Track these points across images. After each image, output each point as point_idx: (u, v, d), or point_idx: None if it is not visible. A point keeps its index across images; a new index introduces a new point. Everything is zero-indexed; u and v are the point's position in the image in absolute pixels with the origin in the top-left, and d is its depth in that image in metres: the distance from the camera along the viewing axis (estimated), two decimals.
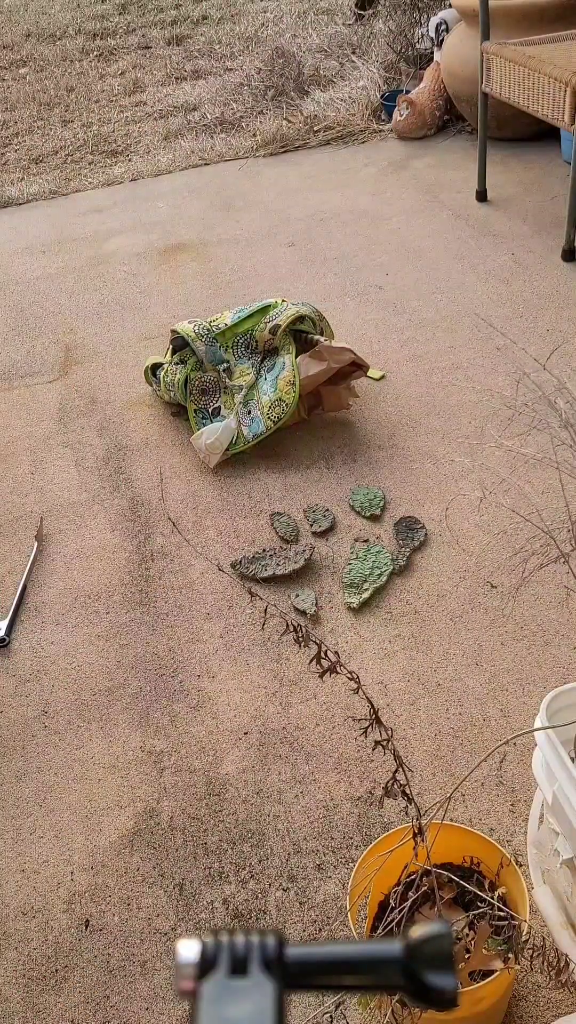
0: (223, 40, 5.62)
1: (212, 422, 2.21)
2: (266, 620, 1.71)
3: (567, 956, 1.02)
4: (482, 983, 0.98)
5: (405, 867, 1.11)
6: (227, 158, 4.04)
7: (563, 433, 1.75)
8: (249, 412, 2.17)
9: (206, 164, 4.05)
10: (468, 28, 3.46)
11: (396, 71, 4.15)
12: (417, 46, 4.17)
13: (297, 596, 1.77)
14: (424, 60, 4.12)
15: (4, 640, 1.78)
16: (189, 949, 0.46)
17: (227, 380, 2.26)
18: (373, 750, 1.46)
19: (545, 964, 1.02)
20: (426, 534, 1.87)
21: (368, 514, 1.95)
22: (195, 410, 2.25)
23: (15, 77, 5.66)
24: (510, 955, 1.00)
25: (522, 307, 2.56)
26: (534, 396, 1.93)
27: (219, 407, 2.23)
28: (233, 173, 3.88)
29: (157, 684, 1.66)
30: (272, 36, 5.32)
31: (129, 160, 4.19)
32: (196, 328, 2.30)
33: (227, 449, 2.16)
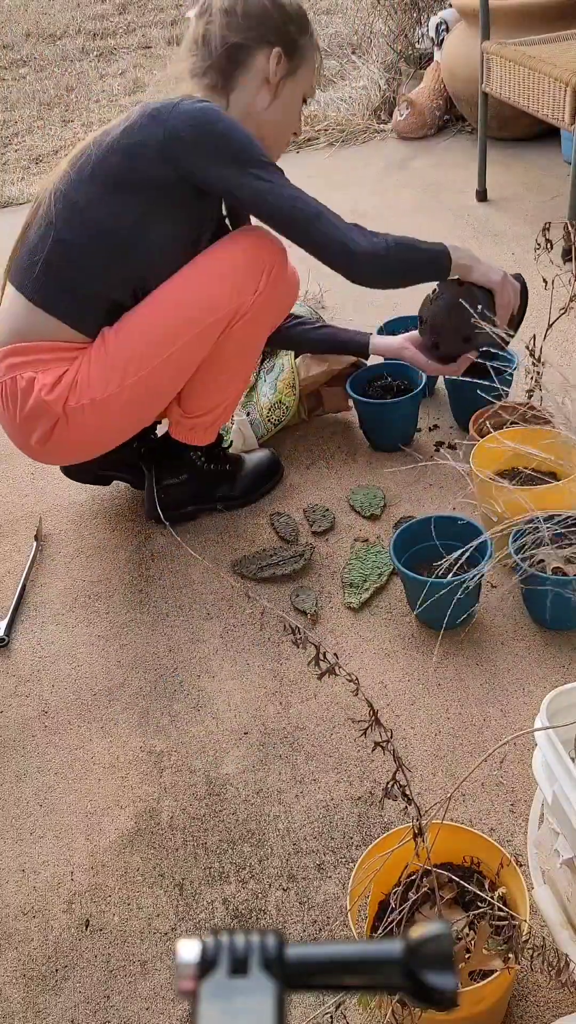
0: None
1: None
2: (263, 623, 1.71)
3: (567, 956, 1.02)
4: (482, 983, 0.98)
5: (405, 867, 1.11)
6: None
7: (568, 433, 1.75)
8: (248, 414, 2.17)
9: None
10: (468, 28, 3.46)
11: (396, 71, 4.15)
12: (417, 46, 4.17)
13: (297, 596, 1.77)
14: (424, 60, 4.12)
15: (3, 640, 1.78)
16: (189, 949, 0.46)
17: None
18: (373, 751, 1.46)
19: (545, 964, 1.02)
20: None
21: (368, 514, 1.95)
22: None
23: (15, 77, 5.66)
24: (510, 955, 1.00)
25: None
26: (538, 395, 1.92)
27: None
28: None
29: (157, 684, 1.66)
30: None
31: None
32: None
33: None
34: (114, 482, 2.13)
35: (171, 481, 1.94)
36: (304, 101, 1.73)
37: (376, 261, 1.68)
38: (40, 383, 1.63)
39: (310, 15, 1.71)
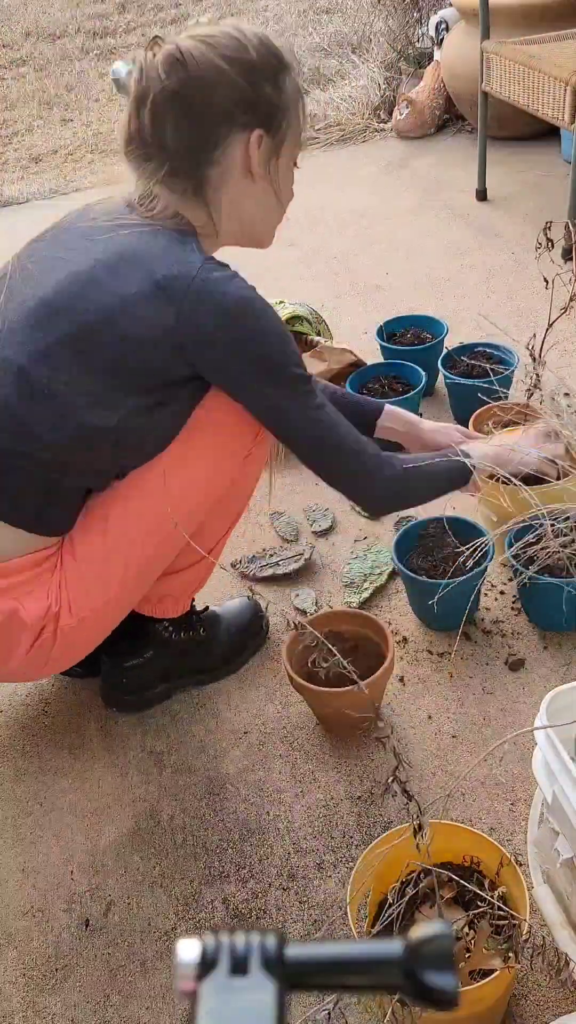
0: None
1: None
2: (267, 619, 1.71)
3: (567, 955, 1.02)
4: (482, 982, 0.98)
5: (406, 866, 1.11)
6: None
7: (565, 432, 1.75)
8: None
9: None
10: (468, 27, 3.46)
11: (396, 70, 4.15)
12: (417, 45, 4.16)
13: (297, 596, 1.77)
14: (424, 59, 4.12)
15: None
16: (189, 949, 0.46)
17: None
18: (375, 746, 1.46)
19: (545, 963, 1.02)
20: None
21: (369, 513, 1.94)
22: None
23: (15, 76, 5.66)
24: (510, 954, 1.00)
25: (522, 306, 2.56)
26: (537, 395, 1.92)
27: None
28: None
29: None
30: (272, 35, 5.32)
31: None
32: None
33: None
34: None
35: (132, 662, 1.54)
36: (295, 164, 1.31)
37: (394, 498, 1.47)
38: (25, 615, 1.26)
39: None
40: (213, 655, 1.61)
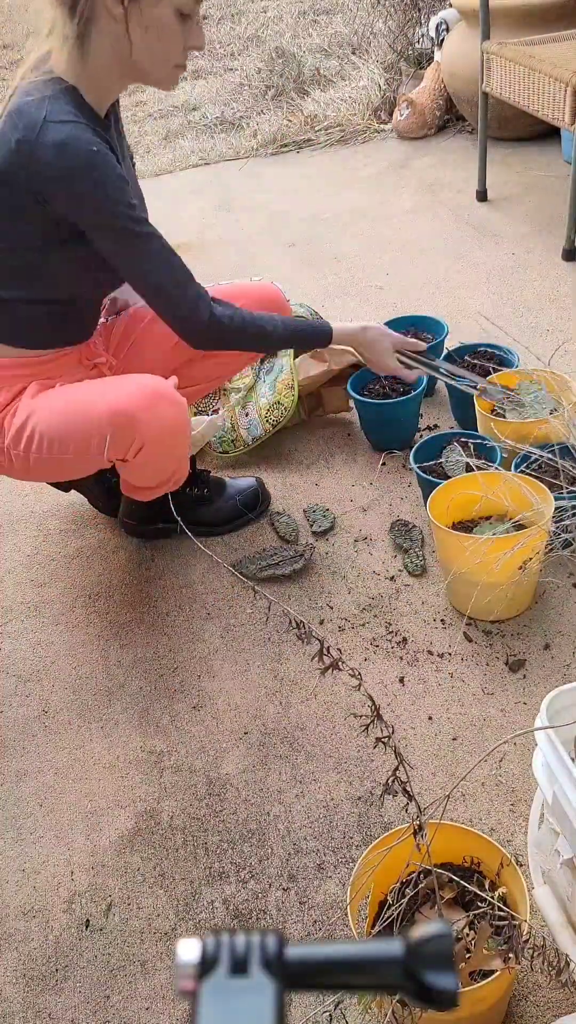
0: (223, 40, 5.61)
1: None
2: (269, 616, 1.71)
3: (567, 956, 1.02)
4: (482, 983, 0.98)
5: (406, 867, 1.11)
6: (227, 158, 4.04)
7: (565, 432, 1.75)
8: (247, 415, 2.17)
9: (206, 164, 4.05)
10: (468, 28, 3.46)
11: (396, 71, 4.16)
12: (417, 46, 4.17)
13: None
14: (424, 60, 4.12)
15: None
16: (189, 949, 0.46)
17: (226, 382, 2.26)
18: (375, 748, 1.46)
19: (545, 964, 1.02)
20: (421, 534, 1.87)
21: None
22: (195, 413, 2.25)
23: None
24: (510, 955, 1.00)
25: (523, 307, 2.56)
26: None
27: (219, 408, 2.23)
28: (233, 173, 3.88)
29: (157, 684, 1.66)
30: (272, 36, 5.32)
31: None
32: None
33: (225, 451, 2.16)
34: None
35: (143, 501, 1.80)
36: (183, 14, 1.40)
37: (210, 340, 1.61)
38: None
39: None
40: (210, 512, 1.94)
